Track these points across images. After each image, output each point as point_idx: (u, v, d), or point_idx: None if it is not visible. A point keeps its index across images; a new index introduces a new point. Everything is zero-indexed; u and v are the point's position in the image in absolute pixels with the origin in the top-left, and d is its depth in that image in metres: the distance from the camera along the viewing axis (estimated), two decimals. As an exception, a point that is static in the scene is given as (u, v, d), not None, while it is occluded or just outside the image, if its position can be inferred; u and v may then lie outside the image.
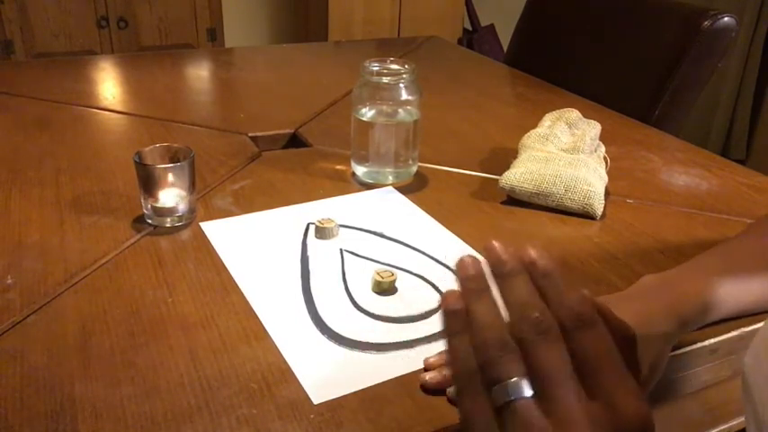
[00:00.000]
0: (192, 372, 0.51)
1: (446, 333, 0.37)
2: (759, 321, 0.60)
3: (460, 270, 0.38)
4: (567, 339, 0.35)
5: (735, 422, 0.65)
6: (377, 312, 0.60)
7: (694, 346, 0.57)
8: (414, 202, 0.80)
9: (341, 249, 0.69)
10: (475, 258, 0.38)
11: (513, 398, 0.34)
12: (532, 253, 0.37)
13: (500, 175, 0.80)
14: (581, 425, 0.33)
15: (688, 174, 0.92)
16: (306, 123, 1.04)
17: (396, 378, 0.52)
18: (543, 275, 0.36)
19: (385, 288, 0.62)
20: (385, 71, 0.81)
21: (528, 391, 0.34)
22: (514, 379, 0.34)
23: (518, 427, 0.33)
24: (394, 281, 0.63)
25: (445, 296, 0.37)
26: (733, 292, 0.57)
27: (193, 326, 0.57)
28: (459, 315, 0.37)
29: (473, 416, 0.35)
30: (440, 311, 0.38)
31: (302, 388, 0.50)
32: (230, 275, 0.64)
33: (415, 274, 0.65)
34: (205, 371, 0.51)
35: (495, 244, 0.37)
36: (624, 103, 1.17)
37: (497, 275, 0.37)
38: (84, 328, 0.56)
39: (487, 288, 0.37)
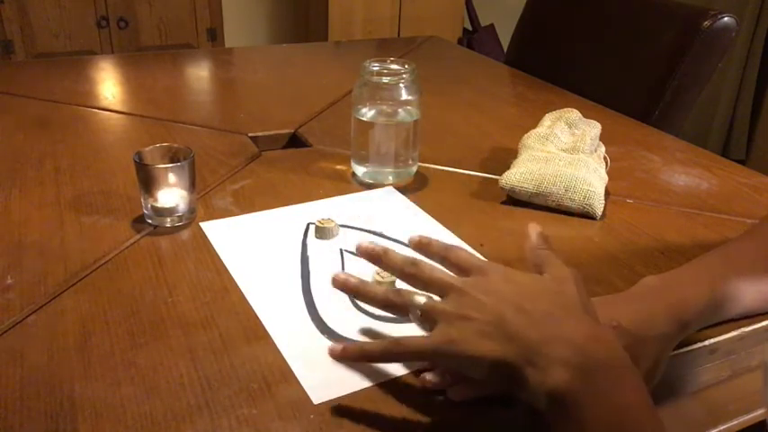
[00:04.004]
0: (192, 372, 0.51)
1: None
2: (759, 321, 0.60)
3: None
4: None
5: (735, 422, 0.65)
6: (377, 312, 0.60)
7: (694, 346, 0.57)
8: (414, 202, 0.80)
9: (341, 249, 0.69)
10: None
11: (419, 311, 0.48)
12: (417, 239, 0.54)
13: (500, 175, 0.80)
14: (456, 283, 0.48)
15: (688, 174, 0.92)
16: (306, 123, 1.04)
17: (396, 378, 0.52)
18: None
19: (385, 288, 0.62)
20: (385, 71, 0.80)
21: (422, 299, 0.48)
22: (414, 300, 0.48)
23: (430, 320, 0.47)
24: (394, 281, 0.63)
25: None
26: (734, 293, 0.57)
27: (193, 326, 0.57)
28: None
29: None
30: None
31: (302, 388, 0.50)
32: (230, 275, 0.64)
33: (415, 274, 0.65)
34: (205, 371, 0.51)
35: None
36: (624, 103, 1.17)
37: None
38: (84, 328, 0.56)
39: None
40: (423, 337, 0.47)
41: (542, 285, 0.48)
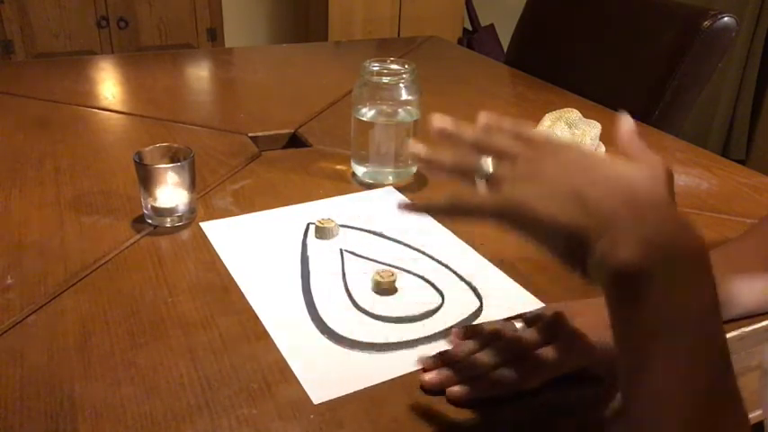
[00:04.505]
0: (192, 372, 0.51)
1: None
2: (759, 321, 0.60)
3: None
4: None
5: (735, 422, 0.65)
6: (377, 312, 0.60)
7: (694, 346, 0.57)
8: (414, 202, 0.80)
9: (341, 249, 0.69)
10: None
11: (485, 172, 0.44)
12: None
13: (500, 175, 0.80)
14: (529, 149, 0.43)
15: (688, 174, 0.92)
16: (306, 123, 1.04)
17: (396, 378, 0.52)
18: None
19: (385, 288, 0.62)
20: (385, 71, 0.80)
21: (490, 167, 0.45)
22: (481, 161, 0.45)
23: (497, 182, 0.43)
24: (394, 281, 0.63)
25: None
26: (734, 293, 0.57)
27: (193, 326, 0.57)
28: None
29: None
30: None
31: (302, 388, 0.50)
32: (230, 275, 0.64)
33: (415, 274, 0.65)
34: (205, 371, 0.51)
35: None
36: (624, 103, 1.16)
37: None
38: (84, 328, 0.56)
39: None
40: (491, 193, 0.43)
41: (626, 167, 0.41)
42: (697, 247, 0.37)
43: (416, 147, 0.48)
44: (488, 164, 0.45)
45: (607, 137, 0.89)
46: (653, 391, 0.35)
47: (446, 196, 0.45)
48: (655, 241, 0.36)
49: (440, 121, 0.47)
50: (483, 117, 0.47)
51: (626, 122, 0.45)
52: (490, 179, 0.44)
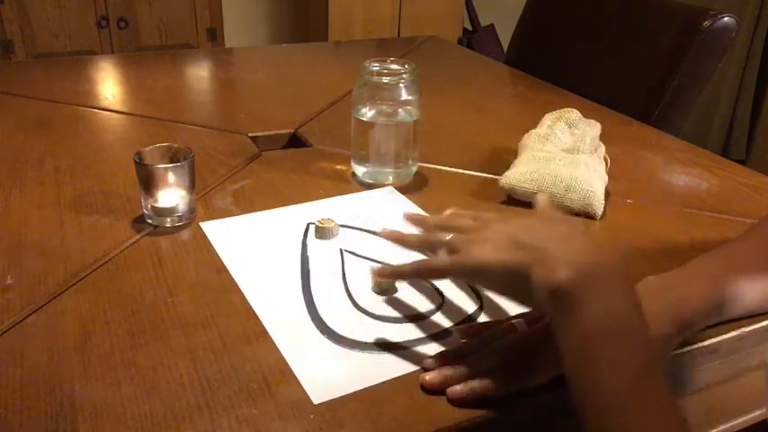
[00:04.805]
0: (192, 372, 0.51)
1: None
2: (759, 321, 0.60)
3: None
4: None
5: (735, 422, 0.65)
6: (377, 312, 0.60)
7: (694, 346, 0.57)
8: (414, 202, 0.80)
9: (341, 249, 0.69)
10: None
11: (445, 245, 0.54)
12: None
13: (500, 175, 0.80)
14: (476, 223, 0.55)
15: (688, 174, 0.92)
16: (306, 123, 1.04)
17: (396, 378, 0.52)
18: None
19: (385, 288, 0.62)
20: (385, 71, 0.80)
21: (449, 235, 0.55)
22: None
23: (454, 249, 0.53)
24: (394, 281, 0.63)
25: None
26: (734, 293, 0.57)
27: (193, 326, 0.57)
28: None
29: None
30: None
31: (302, 388, 0.50)
32: (230, 275, 0.64)
33: (415, 274, 0.65)
34: (205, 371, 0.51)
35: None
36: (624, 103, 1.17)
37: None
38: (84, 328, 0.56)
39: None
40: (450, 257, 0.53)
41: (554, 220, 0.54)
42: (613, 263, 0.47)
43: (386, 232, 0.60)
44: (443, 236, 0.55)
45: (607, 137, 0.89)
46: (591, 377, 0.44)
47: (413, 263, 0.55)
48: (578, 262, 0.46)
49: (409, 213, 0.61)
50: (449, 210, 0.60)
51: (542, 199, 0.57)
52: (448, 246, 0.53)
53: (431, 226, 0.59)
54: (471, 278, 0.54)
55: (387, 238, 0.59)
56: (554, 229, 0.51)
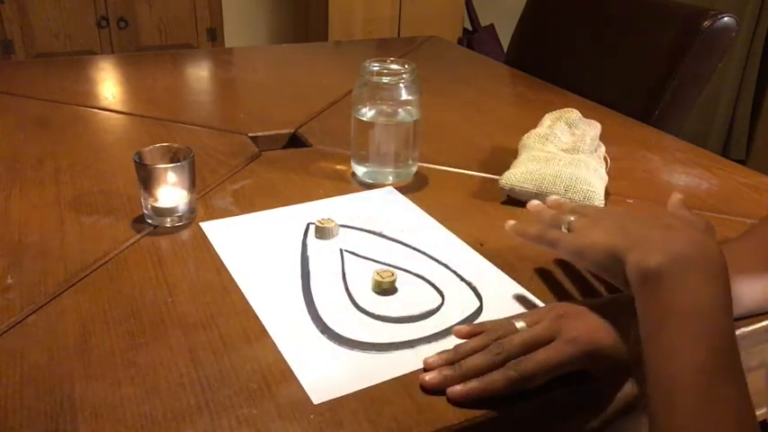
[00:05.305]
0: (192, 372, 0.51)
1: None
2: (759, 321, 0.60)
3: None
4: None
5: (735, 422, 0.65)
6: (377, 312, 0.60)
7: (694, 346, 0.57)
8: (414, 202, 0.80)
9: (341, 249, 0.69)
10: None
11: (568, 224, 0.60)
12: None
13: (500, 175, 0.80)
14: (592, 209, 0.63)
15: (688, 174, 0.92)
16: (306, 123, 1.04)
17: (396, 378, 0.52)
18: None
19: (385, 288, 0.62)
20: (385, 71, 0.80)
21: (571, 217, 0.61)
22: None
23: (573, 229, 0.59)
24: (394, 281, 0.63)
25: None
26: (735, 293, 0.57)
27: (193, 326, 0.57)
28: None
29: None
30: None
31: (302, 388, 0.50)
32: (230, 275, 0.64)
33: (415, 274, 0.65)
34: (205, 371, 0.51)
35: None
36: (624, 103, 1.17)
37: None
38: (84, 328, 0.56)
39: None
40: (570, 234, 0.59)
41: (669, 215, 0.58)
42: (711, 258, 0.48)
43: (509, 223, 0.65)
44: (568, 216, 0.60)
45: (607, 137, 0.89)
46: (665, 348, 0.46)
47: (539, 228, 0.61)
48: (672, 250, 0.48)
49: (535, 205, 0.67)
50: (553, 196, 0.68)
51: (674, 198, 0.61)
52: (570, 225, 0.59)
53: (561, 206, 0.65)
54: (577, 256, 0.57)
55: (531, 209, 0.66)
56: (661, 221, 0.54)
